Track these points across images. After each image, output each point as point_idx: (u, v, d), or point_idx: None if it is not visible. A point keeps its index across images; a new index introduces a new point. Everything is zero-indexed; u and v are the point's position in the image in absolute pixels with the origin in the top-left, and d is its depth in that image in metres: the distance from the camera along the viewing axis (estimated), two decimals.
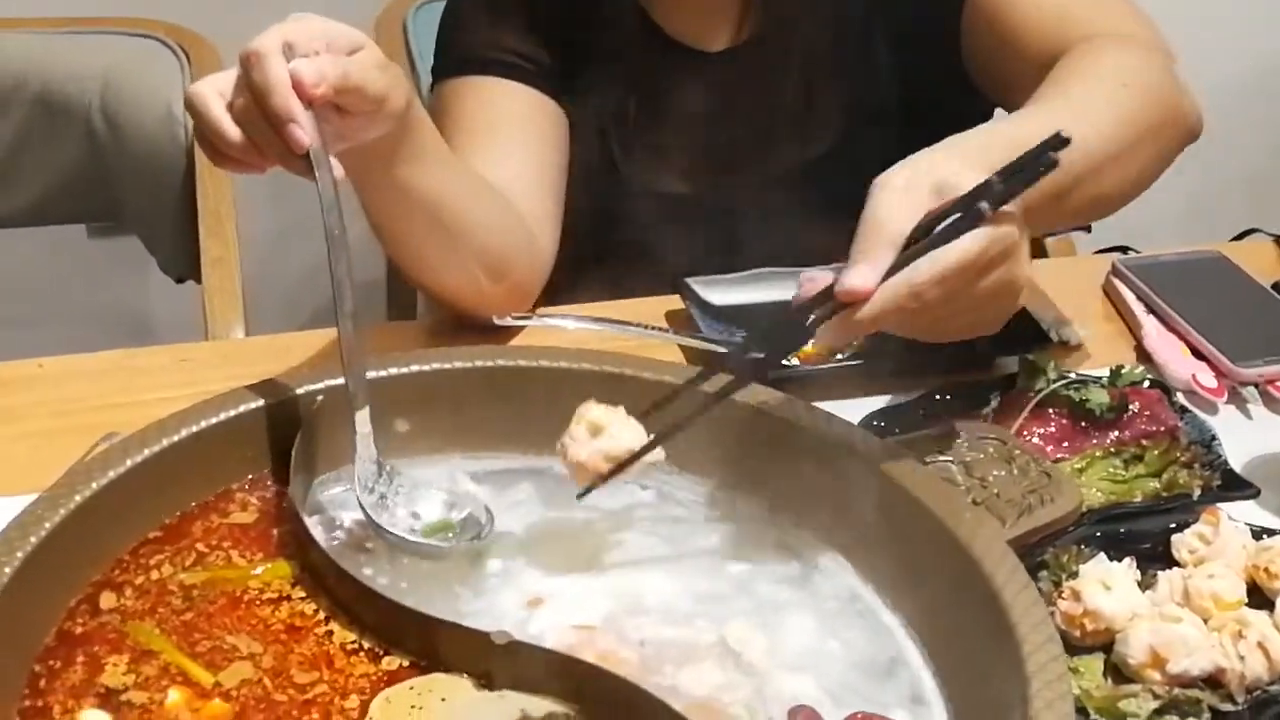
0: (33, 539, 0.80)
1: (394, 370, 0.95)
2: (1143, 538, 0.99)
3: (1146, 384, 1.12)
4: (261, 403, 0.92)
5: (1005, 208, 0.86)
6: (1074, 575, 0.93)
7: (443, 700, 0.79)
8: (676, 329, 1.21)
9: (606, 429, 0.88)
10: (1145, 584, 0.95)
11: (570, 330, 1.16)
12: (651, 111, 1.34)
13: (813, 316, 0.87)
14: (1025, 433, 1.06)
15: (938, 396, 1.12)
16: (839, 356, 1.17)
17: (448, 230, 1.12)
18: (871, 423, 1.06)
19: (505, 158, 1.25)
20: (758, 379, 0.93)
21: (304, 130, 0.89)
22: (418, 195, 1.08)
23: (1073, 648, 0.90)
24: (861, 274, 0.84)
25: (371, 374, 0.92)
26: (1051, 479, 0.89)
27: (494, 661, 0.79)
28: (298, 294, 2.11)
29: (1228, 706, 0.88)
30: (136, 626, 0.82)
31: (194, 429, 0.90)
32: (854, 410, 1.06)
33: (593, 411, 0.89)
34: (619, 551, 0.92)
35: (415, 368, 0.96)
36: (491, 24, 1.31)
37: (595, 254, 1.35)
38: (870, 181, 1.25)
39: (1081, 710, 0.86)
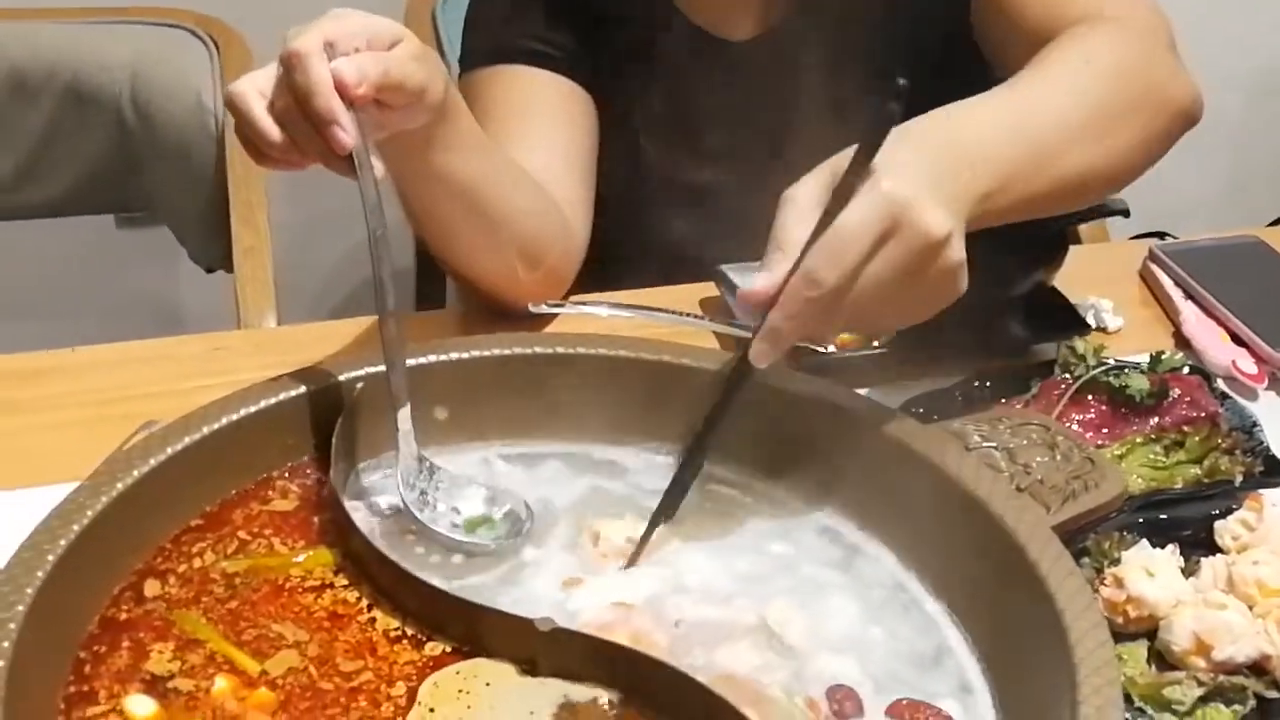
0: (75, 527, 0.80)
1: (433, 358, 0.95)
2: (1185, 524, 0.99)
3: (1186, 370, 1.11)
4: (302, 390, 0.92)
5: (889, 176, 0.83)
6: (1116, 562, 0.93)
7: (487, 685, 0.79)
8: (711, 316, 1.21)
9: None
10: (1188, 571, 0.94)
11: (604, 318, 1.15)
12: (677, 100, 1.34)
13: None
14: (1065, 419, 1.05)
15: (977, 383, 1.11)
16: (875, 344, 1.16)
17: (484, 217, 1.12)
18: (911, 409, 1.06)
19: (536, 145, 1.25)
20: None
21: (347, 131, 0.89)
22: (455, 182, 1.08)
23: (1116, 635, 0.89)
24: (758, 279, 0.85)
25: (411, 362, 0.92)
26: (1095, 464, 0.89)
27: (537, 647, 0.79)
28: (327, 284, 2.11)
29: (1273, 694, 0.88)
30: (183, 615, 0.83)
31: (234, 416, 0.90)
32: (893, 396, 1.05)
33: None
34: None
35: (455, 355, 0.96)
36: (518, 13, 1.31)
37: (622, 244, 1.35)
38: None
39: (1126, 698, 0.86)
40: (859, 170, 0.83)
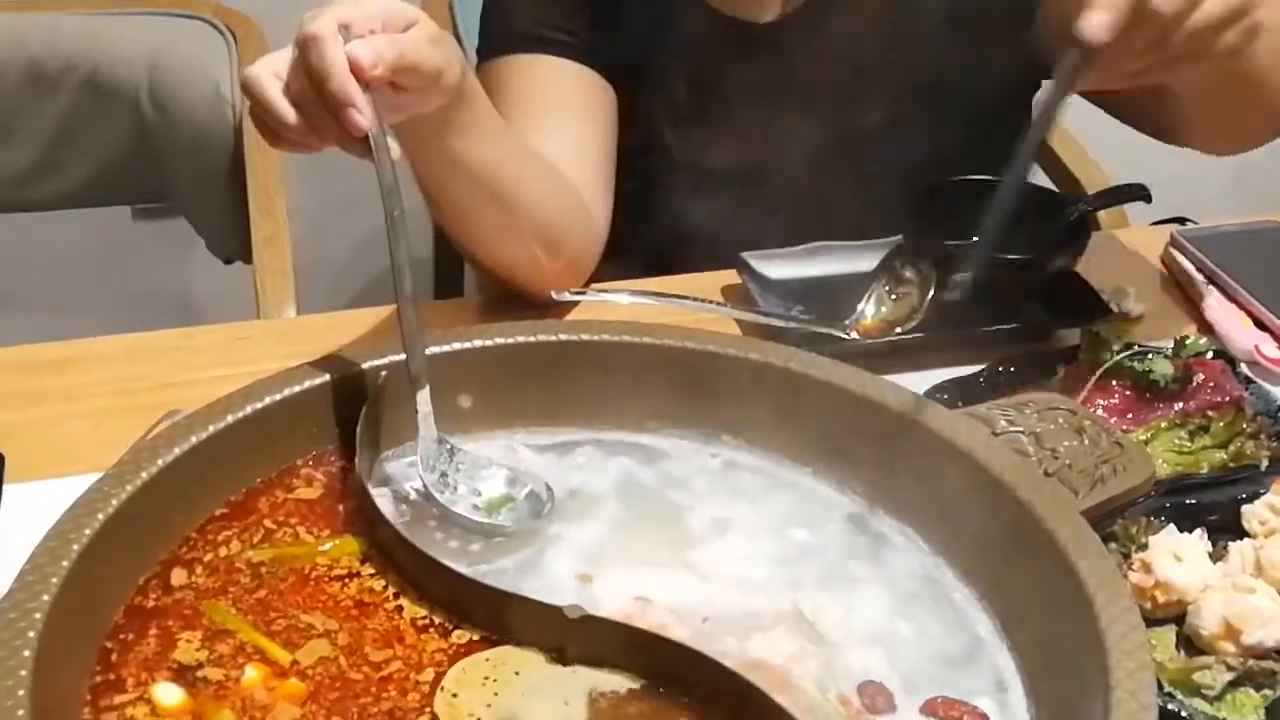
0: (100, 516, 0.80)
1: (456, 346, 0.95)
2: (1211, 509, 0.98)
3: (1210, 355, 1.11)
4: (325, 378, 0.92)
5: None
6: (1143, 547, 0.93)
7: (516, 674, 0.79)
8: (733, 303, 1.20)
9: None
10: (1216, 555, 0.94)
11: (625, 305, 1.15)
12: (700, 86, 1.33)
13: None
14: (1089, 404, 1.05)
15: (1001, 369, 1.11)
16: (898, 330, 1.16)
17: (504, 204, 1.12)
18: (937, 395, 1.05)
19: (556, 134, 1.25)
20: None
21: (363, 114, 0.89)
22: (473, 168, 1.08)
23: (1144, 620, 0.89)
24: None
25: (434, 349, 0.92)
26: (1123, 449, 0.88)
27: (566, 636, 0.79)
28: (344, 272, 2.11)
29: None
30: (212, 606, 0.82)
31: (258, 405, 0.90)
32: (918, 382, 1.05)
33: None
34: (687, 521, 0.91)
35: (478, 343, 0.96)
36: (536, 1, 1.30)
37: (645, 231, 1.35)
38: (923, 154, 1.25)
39: (1156, 683, 0.85)
40: None
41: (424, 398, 0.90)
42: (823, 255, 1.25)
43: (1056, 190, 1.57)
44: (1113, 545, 0.92)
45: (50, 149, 1.66)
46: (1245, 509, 0.97)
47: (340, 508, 0.89)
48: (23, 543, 0.78)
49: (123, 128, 1.64)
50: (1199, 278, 1.27)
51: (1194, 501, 0.99)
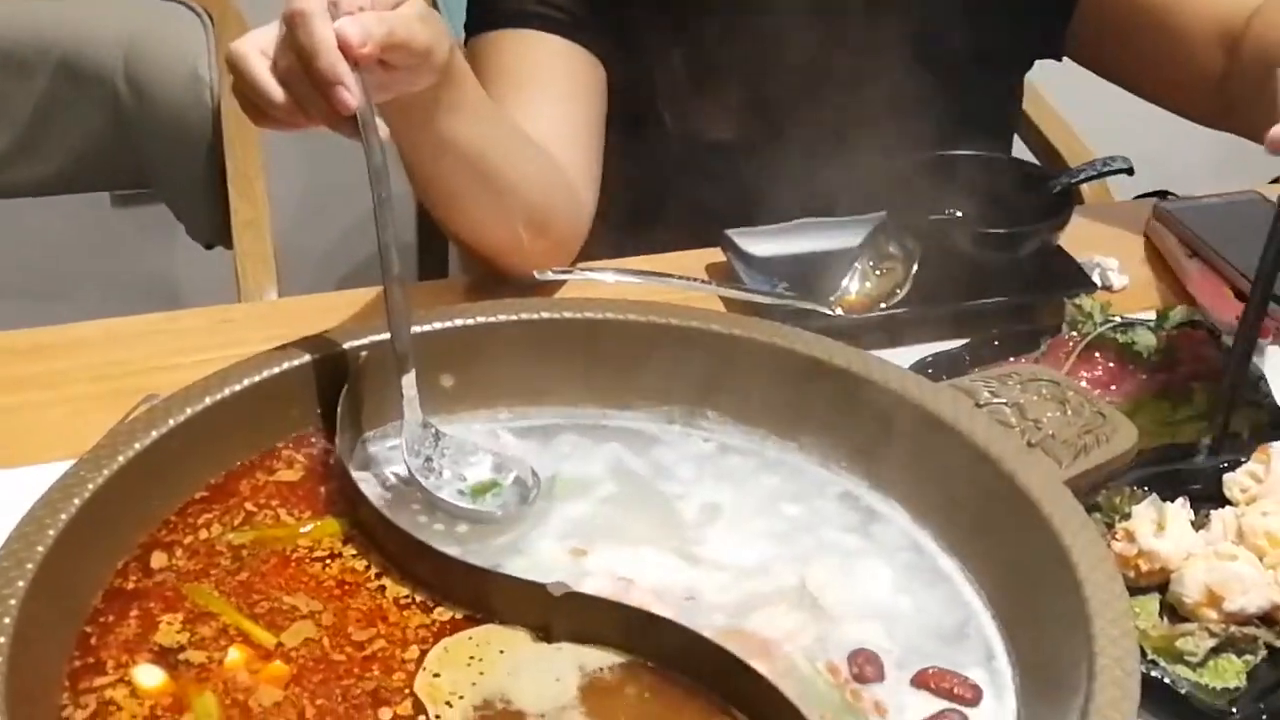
0: (76, 500, 0.79)
1: (438, 325, 0.94)
2: (1194, 478, 0.98)
3: (1193, 326, 1.11)
4: (305, 359, 0.91)
5: None
6: (1127, 517, 0.93)
7: (501, 653, 0.79)
8: (718, 281, 1.20)
9: None
10: (1198, 524, 0.94)
11: (611, 284, 1.15)
12: (697, 59, 1.32)
13: None
14: (1073, 377, 1.05)
15: (985, 342, 1.11)
16: (882, 306, 1.16)
17: (490, 184, 1.11)
18: (921, 369, 1.05)
19: (543, 112, 1.24)
20: None
21: (351, 92, 0.87)
22: (459, 147, 1.07)
23: (1127, 589, 0.89)
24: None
25: (415, 329, 0.92)
26: (1106, 419, 0.88)
27: (551, 613, 0.78)
28: (329, 257, 2.11)
29: None
30: (194, 589, 0.82)
31: (237, 387, 0.89)
32: (903, 357, 1.05)
33: None
34: (678, 509, 0.91)
35: (460, 322, 0.95)
36: None
37: (640, 208, 1.34)
38: (925, 131, 1.25)
39: (1139, 651, 0.86)
40: None
41: (410, 381, 0.90)
42: (807, 231, 1.24)
43: (1039, 164, 1.57)
44: (1096, 515, 0.92)
45: (26, 133, 1.64)
46: (1227, 477, 0.97)
47: (322, 490, 0.89)
48: (1, 529, 0.77)
49: (99, 112, 1.63)
50: (1181, 250, 1.27)
51: (1177, 471, 0.98)
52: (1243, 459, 0.99)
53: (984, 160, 1.24)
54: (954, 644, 0.82)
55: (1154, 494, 0.93)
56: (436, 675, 0.77)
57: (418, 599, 0.82)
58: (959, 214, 1.22)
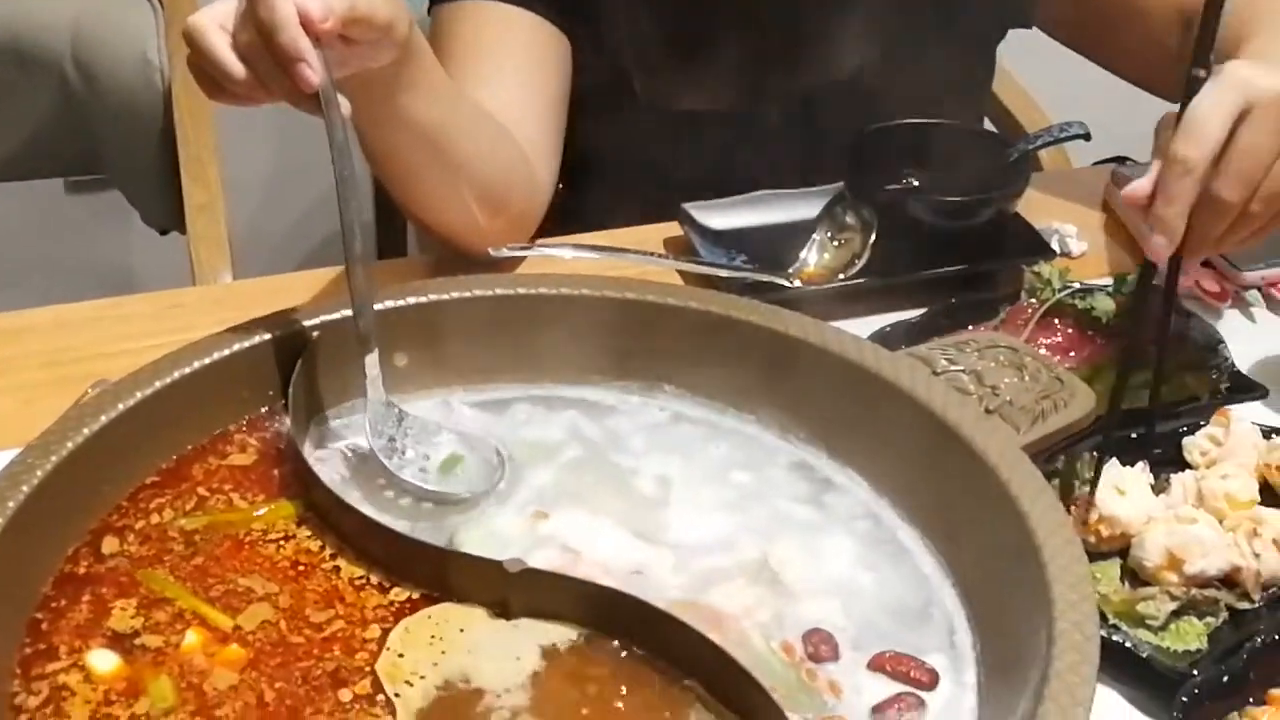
0: (24, 488, 0.78)
1: (391, 303, 0.93)
2: (1154, 442, 0.98)
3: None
4: (256, 341, 0.90)
5: (1231, 64, 0.92)
6: (1087, 482, 0.93)
7: (461, 631, 0.78)
8: (676, 255, 1.19)
9: None
10: (1158, 488, 0.94)
11: (568, 260, 1.14)
12: (670, 28, 1.31)
13: None
14: (1032, 343, 1.05)
15: (944, 311, 1.11)
16: (841, 277, 1.15)
17: (446, 161, 1.10)
18: (880, 339, 1.05)
19: (503, 86, 1.22)
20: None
21: (313, 69, 0.86)
22: (417, 125, 1.06)
23: (1089, 555, 0.89)
24: (1136, 183, 0.94)
25: None
26: (1064, 384, 0.88)
27: (507, 590, 0.78)
28: (289, 241, 2.08)
29: (1244, 605, 0.88)
30: (149, 574, 0.81)
31: (186, 370, 0.88)
32: (862, 328, 1.05)
33: None
34: (633, 476, 0.90)
35: (413, 300, 0.94)
36: None
37: (610, 179, 1.33)
38: (899, 101, 1.25)
39: (1101, 616, 0.85)
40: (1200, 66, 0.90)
41: (373, 360, 0.88)
42: (764, 204, 1.24)
43: (996, 131, 1.57)
44: (1057, 480, 0.92)
45: None
46: (1186, 441, 0.97)
47: (275, 472, 0.88)
48: None
49: (48, 97, 1.61)
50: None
51: (1136, 436, 0.98)
52: (1202, 422, 0.99)
53: (940, 128, 1.23)
54: (916, 626, 0.81)
55: (1114, 459, 0.93)
56: (401, 655, 0.77)
57: (373, 579, 0.81)
58: (915, 183, 1.21)
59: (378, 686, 0.75)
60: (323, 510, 0.84)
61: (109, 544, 0.83)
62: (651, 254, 1.17)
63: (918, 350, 0.91)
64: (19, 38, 1.58)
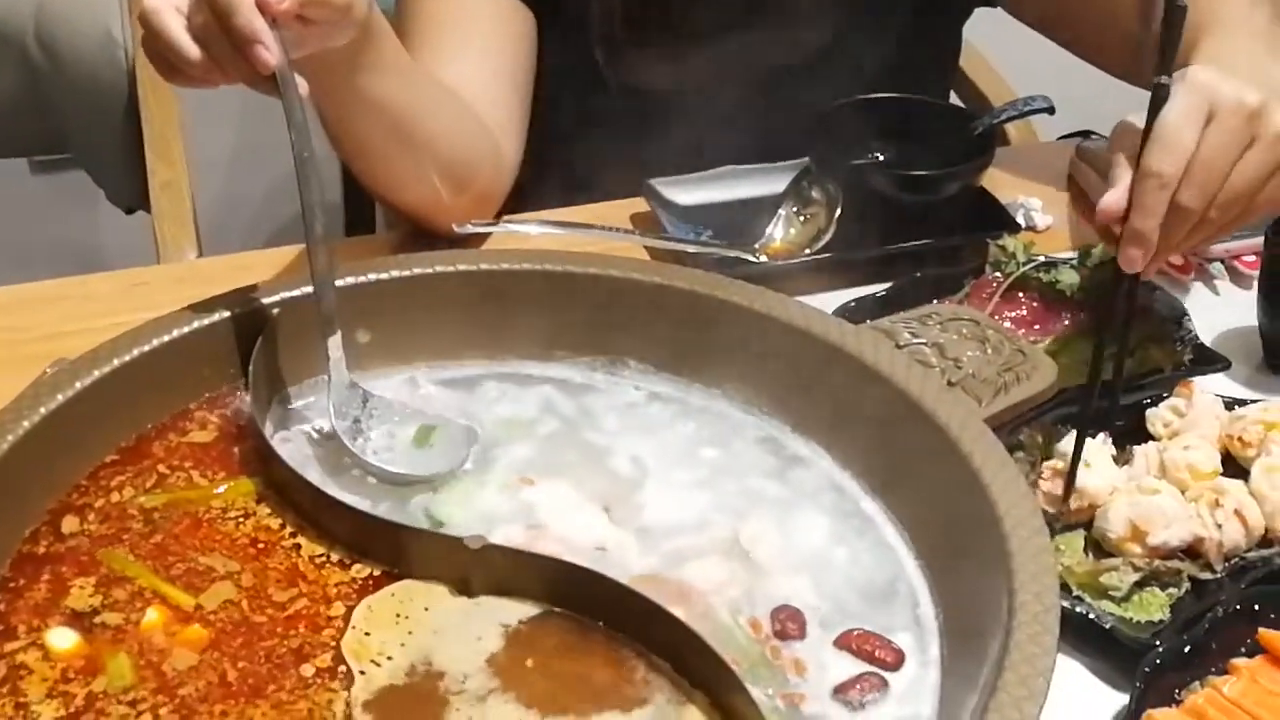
0: None
1: (352, 280, 0.93)
2: (1117, 414, 0.98)
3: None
4: (216, 318, 0.90)
5: (1194, 72, 0.93)
6: (1050, 456, 0.93)
7: (425, 610, 0.78)
8: (642, 231, 1.19)
9: None
10: (1121, 460, 0.94)
11: (535, 236, 1.13)
12: (635, 5, 1.29)
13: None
14: (997, 317, 1.05)
15: (909, 285, 1.10)
16: (807, 251, 1.15)
17: (408, 141, 1.09)
18: (844, 313, 1.05)
19: (469, 63, 1.22)
20: None
21: (270, 50, 0.85)
22: (377, 104, 1.05)
23: (1056, 527, 0.90)
24: (1107, 196, 0.93)
25: None
26: (1026, 356, 0.88)
27: (469, 567, 0.78)
28: (257, 218, 2.07)
29: (1207, 575, 0.89)
30: (109, 554, 0.81)
31: (146, 348, 0.87)
32: (828, 303, 1.05)
33: None
34: (608, 454, 0.90)
35: (374, 277, 0.93)
36: None
37: (577, 155, 1.33)
38: (866, 78, 1.24)
39: (1064, 587, 0.86)
40: (1165, 74, 0.93)
41: (335, 342, 0.88)
42: (730, 179, 1.23)
43: (961, 106, 1.57)
44: (1020, 454, 0.92)
45: None
46: (1149, 412, 0.98)
47: (235, 450, 0.87)
48: None
49: (11, 75, 1.59)
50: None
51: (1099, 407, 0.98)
52: (1165, 395, 0.99)
53: (905, 103, 1.23)
54: (883, 604, 0.81)
55: (1086, 434, 0.93)
56: (367, 634, 0.76)
57: (334, 557, 0.81)
58: (881, 158, 1.21)
59: (339, 660, 0.75)
60: (282, 487, 0.84)
61: (69, 523, 0.82)
62: (618, 230, 1.17)
63: (881, 324, 0.91)
64: None
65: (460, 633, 0.77)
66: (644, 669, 0.74)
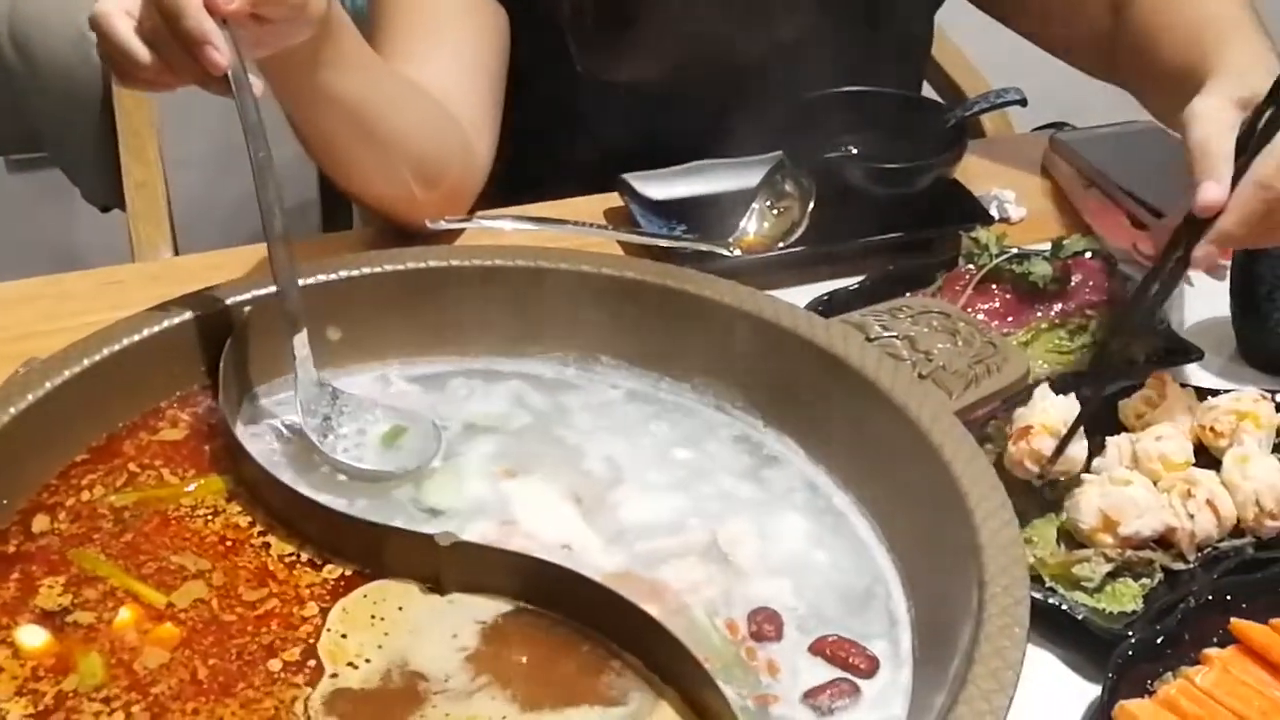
0: None
1: (322, 277, 0.93)
2: (1091, 404, 0.99)
3: (1089, 255, 1.11)
4: (187, 317, 0.90)
5: None
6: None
7: (400, 609, 0.78)
8: (615, 225, 1.19)
9: None
10: (1094, 450, 0.95)
11: (508, 231, 1.13)
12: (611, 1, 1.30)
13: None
14: (970, 309, 1.05)
15: (882, 278, 1.11)
16: (780, 245, 1.15)
17: (375, 137, 1.09)
18: (816, 307, 1.05)
19: (441, 58, 1.21)
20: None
21: (220, 51, 0.85)
22: (341, 102, 1.05)
23: (1024, 517, 0.90)
24: (1211, 189, 0.93)
25: (300, 282, 0.90)
26: (997, 348, 0.88)
27: (440, 564, 0.77)
28: (234, 216, 2.06)
29: (1179, 565, 0.89)
30: (79, 554, 0.80)
31: (116, 347, 0.87)
32: (803, 296, 1.05)
33: None
34: (575, 449, 0.91)
35: (344, 274, 0.93)
36: None
37: (550, 150, 1.32)
38: (839, 72, 1.24)
39: (1037, 578, 0.86)
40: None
41: (301, 340, 0.88)
42: (704, 173, 1.23)
43: (934, 98, 1.57)
44: (990, 445, 0.92)
45: None
46: (1122, 403, 0.98)
47: (206, 448, 0.87)
48: None
49: None
50: (1078, 180, 1.27)
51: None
52: (1137, 384, 0.99)
53: (879, 95, 1.23)
54: (860, 610, 0.81)
55: (1045, 383, 0.93)
56: (344, 636, 0.76)
57: (304, 556, 0.80)
58: (854, 150, 1.21)
59: (309, 655, 0.75)
60: (252, 485, 0.84)
61: (39, 522, 0.82)
62: (592, 225, 1.17)
63: (852, 317, 0.91)
64: None
65: (436, 632, 0.77)
66: (619, 665, 0.74)
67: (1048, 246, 1.11)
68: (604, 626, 0.75)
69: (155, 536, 0.81)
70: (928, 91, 1.58)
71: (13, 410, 0.82)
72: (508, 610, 0.78)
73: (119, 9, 0.88)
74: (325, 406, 0.89)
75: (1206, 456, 0.94)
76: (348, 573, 0.79)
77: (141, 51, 0.87)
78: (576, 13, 1.29)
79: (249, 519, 0.82)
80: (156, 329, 0.88)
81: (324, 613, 0.77)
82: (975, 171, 1.24)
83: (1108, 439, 0.95)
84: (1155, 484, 0.91)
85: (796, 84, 1.25)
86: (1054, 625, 0.85)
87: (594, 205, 1.24)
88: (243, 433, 0.87)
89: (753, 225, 1.16)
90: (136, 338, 0.88)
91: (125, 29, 0.87)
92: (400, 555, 0.79)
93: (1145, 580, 0.88)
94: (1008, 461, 0.90)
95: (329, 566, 0.80)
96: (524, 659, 0.75)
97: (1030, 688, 0.69)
